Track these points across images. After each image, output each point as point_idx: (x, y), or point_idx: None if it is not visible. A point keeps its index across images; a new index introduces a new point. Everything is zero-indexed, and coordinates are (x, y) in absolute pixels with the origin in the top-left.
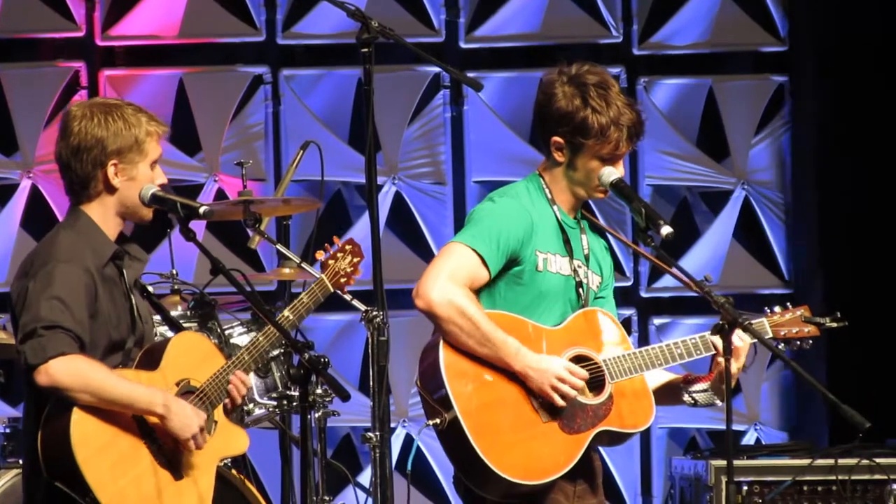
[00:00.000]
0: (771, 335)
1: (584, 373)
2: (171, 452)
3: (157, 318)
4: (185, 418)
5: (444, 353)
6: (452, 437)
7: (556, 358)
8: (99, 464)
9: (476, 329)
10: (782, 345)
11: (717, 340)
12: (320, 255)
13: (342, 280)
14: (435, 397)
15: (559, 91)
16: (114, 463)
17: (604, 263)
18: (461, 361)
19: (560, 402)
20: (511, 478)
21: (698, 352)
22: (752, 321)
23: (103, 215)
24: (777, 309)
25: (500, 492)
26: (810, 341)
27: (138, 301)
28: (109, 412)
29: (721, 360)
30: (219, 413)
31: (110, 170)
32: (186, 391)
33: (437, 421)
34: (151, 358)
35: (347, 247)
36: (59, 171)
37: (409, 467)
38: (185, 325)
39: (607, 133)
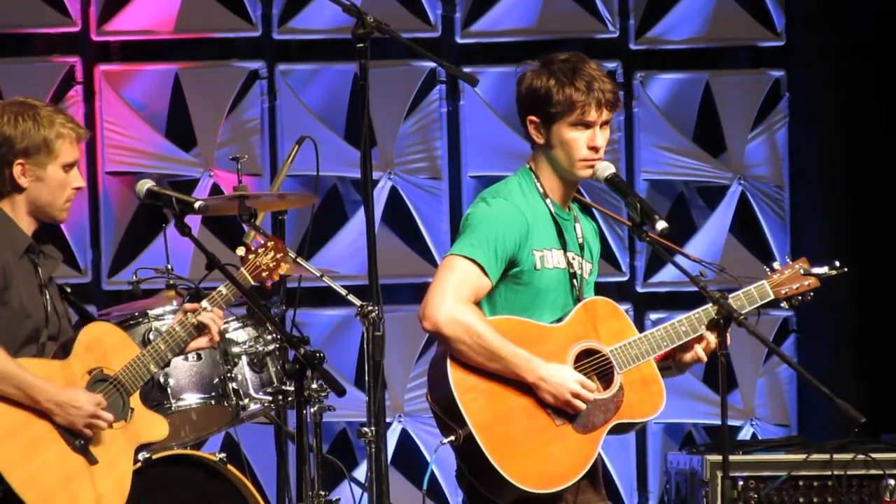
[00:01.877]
0: (773, 297)
1: (593, 385)
2: (84, 438)
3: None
4: (70, 412)
5: (451, 370)
6: (469, 453)
7: (569, 370)
8: (7, 449)
9: (485, 346)
10: (784, 303)
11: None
12: (241, 251)
13: (263, 274)
14: (447, 415)
15: (529, 75)
16: (24, 447)
17: (594, 249)
18: (470, 376)
19: (573, 411)
20: (531, 489)
21: (703, 326)
22: (753, 285)
23: (14, 213)
24: (776, 266)
25: (516, 497)
26: (811, 294)
27: (53, 297)
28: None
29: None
30: (135, 401)
31: (16, 169)
32: (99, 379)
33: (453, 438)
34: (64, 350)
35: (269, 243)
36: None
37: (424, 487)
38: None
39: (572, 97)
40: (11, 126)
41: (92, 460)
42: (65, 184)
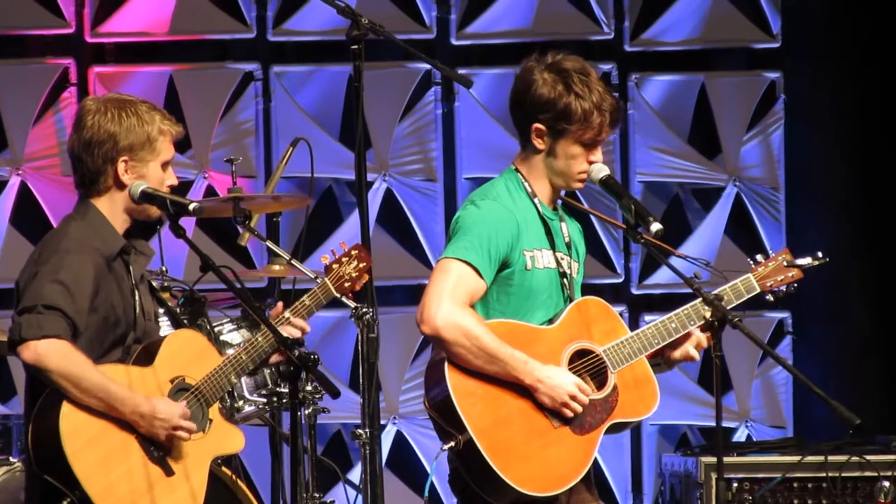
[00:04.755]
0: (759, 290)
1: (589, 388)
2: (163, 448)
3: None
4: (153, 423)
5: (450, 375)
6: (469, 458)
7: (566, 373)
8: (88, 457)
9: (483, 349)
10: (770, 295)
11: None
12: (325, 259)
13: (346, 284)
14: (446, 420)
15: (539, 78)
16: (103, 457)
17: (580, 248)
18: (468, 381)
19: (570, 414)
20: (533, 492)
21: (692, 322)
22: (739, 279)
23: (112, 210)
24: (759, 258)
25: (515, 501)
26: (795, 285)
27: (143, 297)
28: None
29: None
30: (214, 412)
31: (120, 166)
32: (181, 388)
33: (453, 444)
34: (147, 354)
35: (353, 252)
36: (71, 164)
37: (426, 494)
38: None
39: (590, 118)
40: (116, 123)
41: (168, 472)
42: (162, 182)
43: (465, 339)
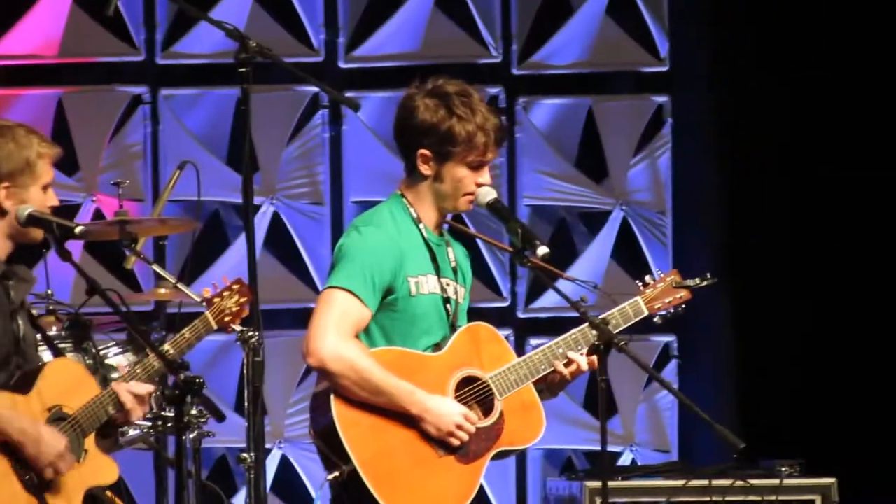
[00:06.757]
0: (647, 313)
1: (475, 417)
2: (40, 478)
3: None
4: (41, 446)
5: (335, 405)
6: (354, 489)
7: (452, 402)
8: None
9: (369, 381)
10: (658, 318)
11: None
12: (207, 293)
13: (227, 319)
14: (331, 450)
15: (420, 104)
16: None
17: (467, 273)
18: (353, 412)
19: (456, 443)
20: None
21: (579, 347)
22: (627, 302)
23: None
24: (648, 279)
25: None
26: (683, 306)
27: (24, 323)
28: None
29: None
30: (90, 442)
31: (1, 193)
32: (58, 417)
33: (337, 473)
34: (25, 381)
35: (235, 286)
36: None
37: None
38: (59, 345)
39: (474, 139)
40: None
41: (42, 503)
42: (44, 204)
43: (352, 371)
